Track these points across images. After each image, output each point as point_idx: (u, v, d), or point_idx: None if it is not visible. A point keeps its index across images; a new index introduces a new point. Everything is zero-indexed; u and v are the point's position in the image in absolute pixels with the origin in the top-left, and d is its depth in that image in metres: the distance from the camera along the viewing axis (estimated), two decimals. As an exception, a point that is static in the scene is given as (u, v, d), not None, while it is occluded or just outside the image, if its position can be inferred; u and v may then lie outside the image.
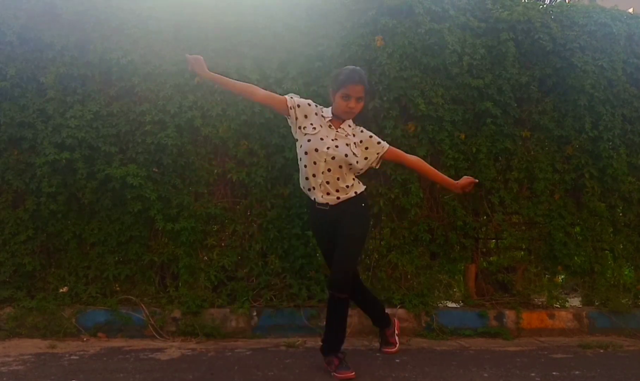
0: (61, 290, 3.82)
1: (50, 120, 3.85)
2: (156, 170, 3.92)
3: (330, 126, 2.88)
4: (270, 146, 4.00)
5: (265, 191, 4.03)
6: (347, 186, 2.89)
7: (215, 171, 4.02)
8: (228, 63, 3.92)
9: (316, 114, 2.91)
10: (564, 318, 4.14)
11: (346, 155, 2.83)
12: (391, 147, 3.03)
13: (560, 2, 4.90)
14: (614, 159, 4.37)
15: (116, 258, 3.95)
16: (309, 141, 2.83)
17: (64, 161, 3.76)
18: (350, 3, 4.11)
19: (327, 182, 2.85)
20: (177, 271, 3.96)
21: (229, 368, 2.95)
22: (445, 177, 3.16)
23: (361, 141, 2.94)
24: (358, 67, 2.91)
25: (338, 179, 2.86)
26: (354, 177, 2.95)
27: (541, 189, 4.29)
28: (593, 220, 4.41)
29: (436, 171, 3.15)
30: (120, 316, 3.70)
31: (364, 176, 4.07)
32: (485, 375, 2.92)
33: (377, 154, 2.97)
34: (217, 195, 4.09)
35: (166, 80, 3.91)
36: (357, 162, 2.88)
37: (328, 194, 2.87)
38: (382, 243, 4.18)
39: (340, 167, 2.85)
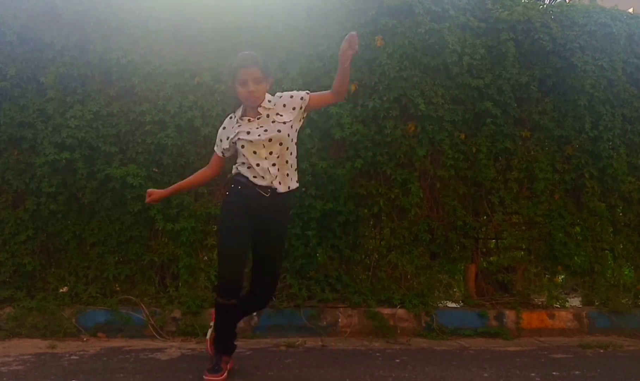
0: (61, 290, 3.82)
1: (50, 120, 3.85)
2: (156, 170, 3.92)
3: (249, 120, 2.71)
4: (270, 146, 3.99)
5: (265, 191, 4.02)
6: (289, 175, 2.74)
7: (215, 171, 4.01)
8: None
9: (230, 126, 2.78)
10: (564, 318, 4.14)
11: (279, 130, 2.67)
12: (311, 94, 2.79)
13: (560, 2, 4.91)
14: (614, 159, 4.37)
15: (116, 258, 3.95)
16: (238, 139, 2.68)
17: (64, 161, 3.76)
18: (350, 3, 4.11)
19: (274, 165, 2.68)
20: (177, 271, 3.96)
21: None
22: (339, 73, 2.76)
23: (284, 105, 2.73)
24: (250, 51, 2.75)
25: (286, 161, 2.71)
26: (296, 168, 2.79)
27: (541, 189, 4.29)
28: (593, 220, 4.41)
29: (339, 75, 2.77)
30: (120, 316, 3.70)
31: (365, 176, 4.11)
32: (485, 375, 2.92)
33: (301, 101, 2.75)
34: (217, 195, 4.09)
35: (166, 80, 3.91)
36: (291, 126, 2.72)
37: (276, 179, 2.69)
38: (382, 243, 4.18)
39: (281, 144, 2.67)
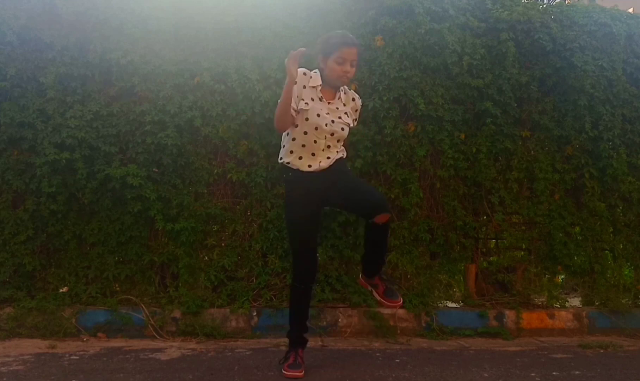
0: (61, 290, 3.82)
1: (50, 120, 3.85)
2: (156, 170, 3.92)
3: (321, 98, 2.74)
4: (270, 146, 4.00)
5: (265, 191, 4.03)
6: (337, 151, 2.85)
7: (215, 171, 4.02)
8: (228, 63, 3.93)
9: (305, 86, 2.74)
10: (564, 318, 4.14)
11: (342, 129, 2.77)
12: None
13: (560, 2, 4.90)
14: (614, 159, 4.37)
15: (116, 258, 3.95)
16: (306, 119, 2.70)
17: (64, 161, 3.76)
18: (350, 3, 4.11)
19: (328, 157, 2.78)
20: (177, 271, 3.96)
21: (229, 368, 2.95)
22: None
23: (352, 108, 2.88)
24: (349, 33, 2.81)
25: (336, 150, 2.82)
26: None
27: (541, 189, 4.29)
28: (593, 220, 4.41)
29: None
30: (120, 316, 3.70)
31: (365, 176, 4.11)
32: (485, 375, 2.92)
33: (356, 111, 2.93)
34: (217, 195, 4.09)
35: (166, 80, 3.91)
36: (349, 127, 2.85)
37: (322, 160, 2.77)
38: (382, 243, 4.18)
39: (338, 141, 2.81)
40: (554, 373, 3.00)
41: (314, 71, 2.78)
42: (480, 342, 3.77)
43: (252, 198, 4.05)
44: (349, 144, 3.98)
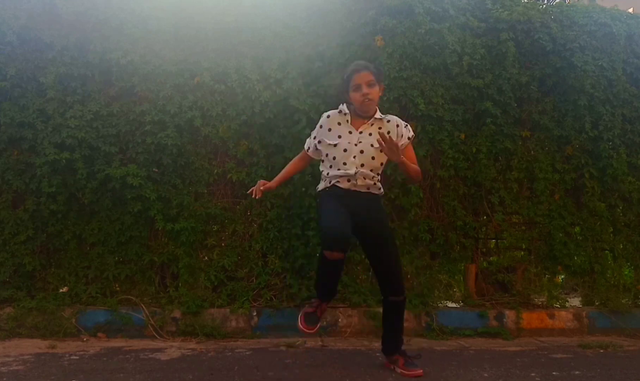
0: (61, 290, 3.82)
1: (50, 120, 3.85)
2: (156, 170, 3.92)
3: (350, 132, 2.81)
4: (270, 146, 4.00)
5: (265, 191, 4.02)
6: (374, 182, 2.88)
7: (215, 171, 4.02)
8: (228, 63, 3.93)
9: (338, 123, 2.84)
10: (564, 318, 4.14)
11: (373, 158, 2.79)
12: (409, 145, 2.91)
13: (560, 2, 4.91)
14: (614, 159, 4.37)
15: (116, 258, 3.95)
16: (335, 145, 2.79)
17: (64, 161, 3.76)
18: (350, 3, 4.11)
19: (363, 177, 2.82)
20: (177, 271, 3.96)
21: (229, 368, 2.95)
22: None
23: (388, 132, 2.81)
24: (361, 60, 2.90)
25: (371, 170, 2.83)
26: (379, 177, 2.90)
27: (541, 189, 4.29)
28: (593, 220, 4.41)
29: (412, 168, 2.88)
30: (120, 316, 3.70)
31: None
32: (485, 375, 2.92)
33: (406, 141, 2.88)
34: (217, 195, 4.09)
35: (166, 80, 3.91)
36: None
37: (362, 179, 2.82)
38: (382, 243, 4.18)
39: (373, 158, 2.80)
40: (554, 373, 2.99)
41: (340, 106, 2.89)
42: (480, 342, 3.77)
43: (252, 198, 4.02)
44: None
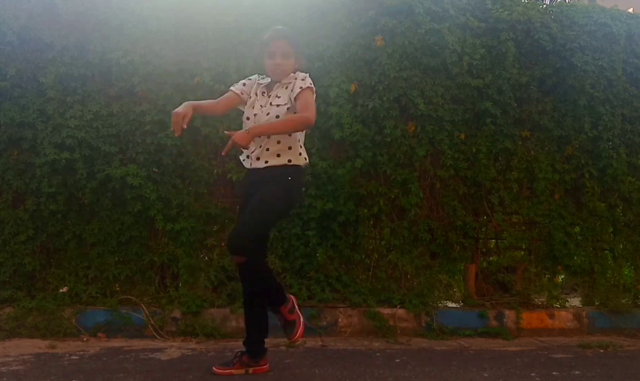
0: (61, 290, 3.82)
1: (50, 120, 3.85)
2: (156, 170, 3.92)
3: (263, 93, 2.73)
4: (270, 146, 3.99)
5: (265, 191, 4.02)
6: (278, 155, 2.66)
7: (215, 171, 4.01)
8: (228, 63, 3.93)
9: (256, 84, 2.79)
10: (564, 318, 4.14)
11: (277, 116, 2.63)
12: (302, 92, 2.64)
13: (560, 2, 4.91)
14: (614, 159, 4.37)
15: (116, 258, 3.95)
16: (243, 113, 2.76)
17: (64, 161, 3.76)
18: (350, 3, 4.11)
19: (261, 146, 2.67)
20: (177, 271, 3.96)
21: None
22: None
23: (292, 90, 2.67)
24: (282, 26, 2.76)
25: (278, 142, 2.65)
26: (290, 146, 2.66)
27: (541, 189, 4.29)
28: (593, 220, 4.41)
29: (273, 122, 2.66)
30: (120, 316, 3.70)
31: (365, 176, 4.11)
32: (485, 375, 2.92)
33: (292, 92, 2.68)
34: (217, 195, 4.09)
35: (166, 80, 3.91)
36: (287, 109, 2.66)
37: (258, 159, 2.69)
38: (382, 243, 4.18)
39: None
40: (554, 373, 2.99)
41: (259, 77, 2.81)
42: (480, 342, 3.77)
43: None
44: (349, 143, 4.01)
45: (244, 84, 2.81)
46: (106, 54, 3.88)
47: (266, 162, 2.68)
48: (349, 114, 3.95)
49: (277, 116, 2.64)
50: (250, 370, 2.78)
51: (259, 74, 2.82)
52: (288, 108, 2.66)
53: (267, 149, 2.68)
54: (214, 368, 2.78)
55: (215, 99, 3.90)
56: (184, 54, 3.95)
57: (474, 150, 4.20)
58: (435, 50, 4.08)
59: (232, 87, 2.82)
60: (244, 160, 2.81)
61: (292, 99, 2.65)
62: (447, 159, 4.14)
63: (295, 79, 2.69)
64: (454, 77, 4.14)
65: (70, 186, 3.87)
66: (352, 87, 3.99)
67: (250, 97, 2.77)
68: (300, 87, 2.63)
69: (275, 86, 2.73)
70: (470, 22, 4.19)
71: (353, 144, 4.01)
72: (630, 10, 5.17)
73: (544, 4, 4.78)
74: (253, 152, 2.70)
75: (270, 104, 2.69)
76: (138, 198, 3.82)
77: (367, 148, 4.01)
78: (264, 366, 2.83)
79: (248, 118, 2.75)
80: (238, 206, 2.80)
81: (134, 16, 3.90)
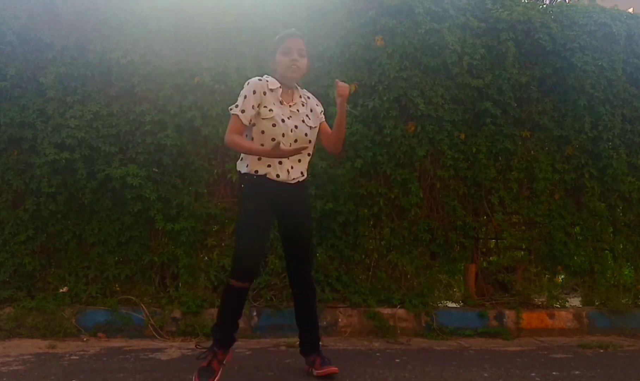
0: (61, 290, 3.82)
1: (50, 120, 3.85)
2: (156, 170, 3.92)
3: (282, 102, 2.61)
4: (270, 146, 3.99)
5: (265, 191, 4.02)
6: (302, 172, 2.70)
7: (215, 171, 4.01)
8: (228, 63, 3.93)
9: (264, 92, 2.57)
10: (564, 318, 4.14)
11: (306, 134, 2.63)
12: (322, 121, 2.76)
13: (560, 2, 4.91)
14: (614, 159, 4.37)
15: (116, 258, 3.95)
16: (273, 126, 2.55)
17: (63, 161, 3.76)
18: (350, 3, 4.12)
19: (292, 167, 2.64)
20: (177, 271, 3.96)
21: (229, 368, 2.94)
22: (340, 119, 2.69)
23: (311, 110, 2.72)
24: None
25: (309, 153, 2.70)
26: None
27: (541, 189, 4.30)
28: (593, 220, 4.42)
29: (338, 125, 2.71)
30: (120, 316, 3.70)
31: (365, 176, 4.11)
32: (485, 375, 2.92)
33: (321, 116, 2.77)
34: (217, 195, 4.09)
35: (166, 80, 3.91)
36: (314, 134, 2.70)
37: (290, 170, 2.63)
38: (382, 243, 4.18)
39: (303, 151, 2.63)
40: (554, 373, 2.99)
41: (265, 76, 2.65)
42: (480, 342, 3.77)
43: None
44: (349, 143, 4.00)
45: (252, 106, 2.54)
46: (106, 54, 3.88)
47: (302, 174, 2.69)
48: (348, 114, 3.94)
49: (306, 135, 2.64)
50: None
51: (258, 76, 2.64)
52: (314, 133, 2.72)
53: (299, 161, 2.68)
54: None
55: (216, 99, 3.94)
56: (184, 54, 3.95)
57: (474, 150, 4.21)
58: (435, 50, 4.08)
59: (243, 119, 2.55)
60: (265, 168, 2.59)
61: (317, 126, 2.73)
62: (447, 159, 4.14)
63: (309, 98, 2.76)
64: (454, 77, 4.14)
65: (70, 186, 3.87)
66: (352, 87, 3.99)
67: (268, 109, 2.56)
68: (324, 116, 2.80)
69: (293, 95, 2.68)
70: (470, 22, 4.19)
71: (353, 144, 4.01)
72: (630, 10, 5.17)
73: (544, 4, 4.78)
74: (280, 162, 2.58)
75: (303, 121, 2.64)
76: (138, 198, 3.82)
77: (367, 148, 4.02)
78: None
79: (284, 134, 2.56)
80: (255, 214, 2.57)
81: (134, 16, 3.90)
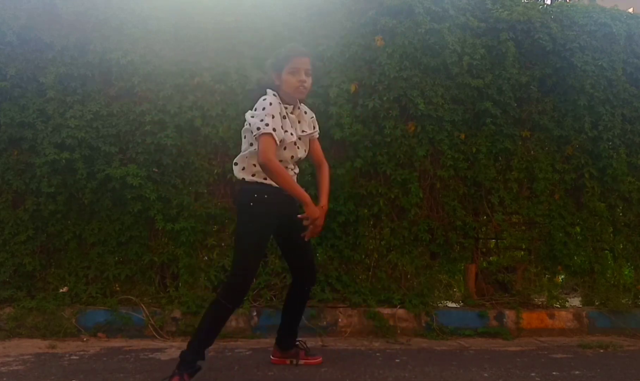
0: (61, 290, 3.82)
1: (50, 120, 3.85)
2: (156, 170, 3.92)
3: (284, 117, 2.61)
4: (270, 146, 3.99)
5: (265, 191, 4.02)
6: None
7: (215, 171, 4.01)
8: (228, 63, 3.93)
9: (284, 117, 2.60)
10: (564, 318, 4.14)
11: (302, 155, 2.72)
12: (316, 140, 2.81)
13: (560, 2, 4.90)
14: (614, 159, 4.37)
15: (116, 258, 3.95)
16: (285, 149, 2.59)
17: (63, 161, 3.76)
18: (350, 3, 4.11)
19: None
20: (177, 271, 3.96)
21: (229, 368, 2.95)
22: (323, 194, 2.74)
23: (308, 123, 2.77)
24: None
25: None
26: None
27: (541, 189, 4.29)
28: (593, 220, 4.41)
29: (326, 184, 2.77)
30: (120, 316, 3.70)
31: (365, 176, 4.11)
32: (485, 375, 2.92)
33: (314, 132, 2.78)
34: (217, 195, 4.09)
35: (166, 80, 3.91)
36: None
37: None
38: (382, 243, 4.18)
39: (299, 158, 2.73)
40: (554, 373, 3.00)
41: (273, 93, 2.61)
42: (480, 342, 3.77)
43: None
44: (349, 143, 4.01)
45: (281, 127, 2.53)
46: (106, 54, 3.88)
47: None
48: (349, 114, 3.95)
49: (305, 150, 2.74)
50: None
51: (271, 91, 2.63)
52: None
53: (297, 173, 2.76)
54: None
55: (216, 99, 3.95)
56: (184, 54, 3.95)
57: (474, 150, 4.20)
58: (435, 50, 4.08)
59: (277, 138, 2.49)
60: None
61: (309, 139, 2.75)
62: (447, 159, 4.14)
63: (306, 113, 2.78)
64: (454, 77, 4.14)
65: (70, 186, 3.87)
66: (352, 87, 4.00)
67: (290, 133, 2.60)
68: (317, 134, 2.81)
69: (296, 111, 2.68)
70: (470, 22, 4.19)
71: (353, 144, 4.01)
72: (630, 10, 5.17)
73: (544, 4, 4.78)
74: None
75: (300, 137, 2.68)
76: (138, 198, 3.82)
77: (367, 148, 4.02)
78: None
79: (292, 157, 2.64)
80: (261, 239, 2.63)
81: (134, 16, 3.90)
